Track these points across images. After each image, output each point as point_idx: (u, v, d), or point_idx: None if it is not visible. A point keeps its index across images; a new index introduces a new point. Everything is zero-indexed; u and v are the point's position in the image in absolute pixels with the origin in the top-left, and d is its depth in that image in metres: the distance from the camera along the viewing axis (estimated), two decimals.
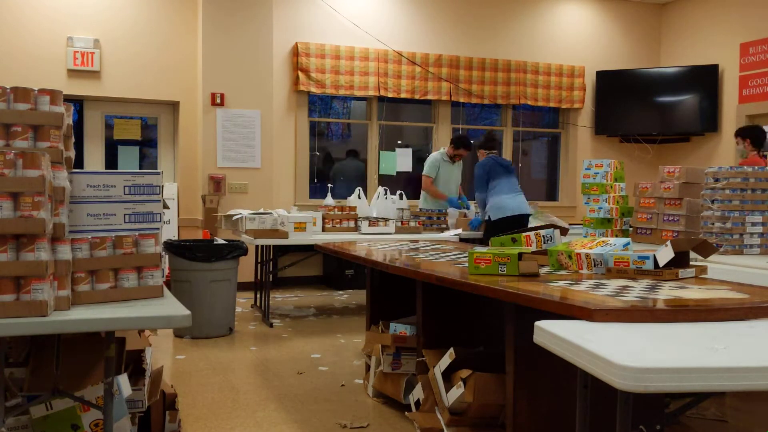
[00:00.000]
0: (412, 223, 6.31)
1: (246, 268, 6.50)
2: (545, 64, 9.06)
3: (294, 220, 5.72)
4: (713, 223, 4.38)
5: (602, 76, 9.29)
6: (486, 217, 6.17)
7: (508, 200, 6.04)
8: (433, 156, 7.01)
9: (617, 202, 5.39)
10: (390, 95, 8.39)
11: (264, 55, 7.66)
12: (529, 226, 5.29)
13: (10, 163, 1.98)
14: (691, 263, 2.75)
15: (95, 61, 7.40)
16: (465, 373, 2.95)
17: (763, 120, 8.47)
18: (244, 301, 6.76)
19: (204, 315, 5.20)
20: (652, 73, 9.27)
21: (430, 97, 8.59)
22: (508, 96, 8.91)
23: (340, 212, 6.23)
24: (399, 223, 6.26)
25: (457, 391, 2.98)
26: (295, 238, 5.72)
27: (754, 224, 4.38)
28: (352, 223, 6.19)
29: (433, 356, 3.27)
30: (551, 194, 9.62)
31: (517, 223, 5.83)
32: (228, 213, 6.52)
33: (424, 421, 3.19)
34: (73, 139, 2.61)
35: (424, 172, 6.97)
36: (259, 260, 6.44)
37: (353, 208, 6.35)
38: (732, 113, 8.69)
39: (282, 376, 4.30)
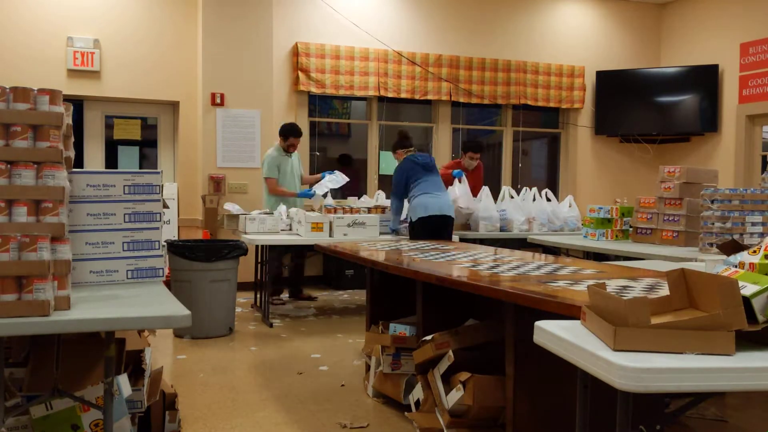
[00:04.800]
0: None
1: (246, 268, 6.50)
2: (545, 64, 9.06)
3: (311, 220, 5.72)
4: (713, 223, 4.39)
5: (602, 76, 9.28)
6: (408, 219, 5.73)
7: (430, 200, 5.53)
8: (269, 154, 6.74)
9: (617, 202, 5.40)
10: (390, 95, 8.39)
11: (264, 55, 7.66)
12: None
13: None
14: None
15: (95, 61, 7.40)
16: (464, 375, 2.95)
17: (764, 120, 8.47)
18: (244, 301, 6.75)
19: (204, 315, 5.20)
20: (652, 73, 9.27)
21: (430, 97, 8.59)
22: (508, 96, 8.91)
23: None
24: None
25: (456, 394, 2.98)
26: (302, 239, 5.72)
27: (753, 224, 4.38)
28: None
29: (420, 353, 3.27)
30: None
31: (440, 224, 5.53)
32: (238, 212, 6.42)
33: (424, 422, 3.19)
34: (72, 139, 2.61)
35: (265, 175, 6.70)
36: (259, 260, 6.44)
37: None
38: (732, 113, 8.68)
39: (282, 376, 4.30)
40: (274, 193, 6.67)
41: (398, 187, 5.71)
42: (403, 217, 5.94)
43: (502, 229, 6.58)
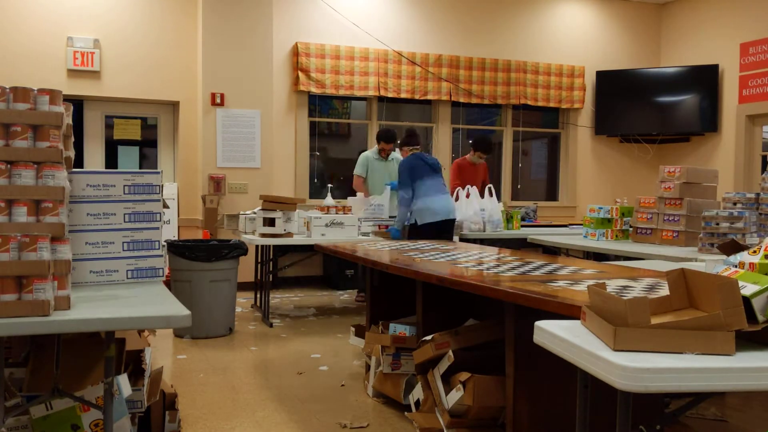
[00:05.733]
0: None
1: (246, 268, 6.50)
2: (545, 64, 9.06)
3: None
4: (717, 223, 4.39)
5: (602, 76, 9.29)
6: (412, 221, 5.73)
7: (435, 203, 5.57)
8: (364, 154, 6.94)
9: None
10: (390, 95, 8.39)
11: (264, 55, 7.66)
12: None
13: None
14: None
15: (95, 61, 7.40)
16: (464, 375, 2.95)
17: (764, 120, 8.47)
18: (244, 301, 6.76)
19: (204, 315, 5.20)
20: (652, 73, 9.27)
21: (430, 97, 8.59)
22: (508, 96, 8.91)
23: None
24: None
25: (456, 394, 2.98)
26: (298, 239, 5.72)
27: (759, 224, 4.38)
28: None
29: (420, 353, 3.27)
30: (551, 194, 9.62)
31: (446, 227, 5.58)
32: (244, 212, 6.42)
33: (424, 422, 3.19)
34: (72, 139, 2.61)
35: (354, 171, 6.87)
36: (259, 260, 6.44)
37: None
38: (732, 113, 8.69)
39: (282, 376, 4.30)
40: (356, 189, 6.86)
41: (405, 182, 5.68)
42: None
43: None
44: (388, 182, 6.73)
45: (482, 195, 6.56)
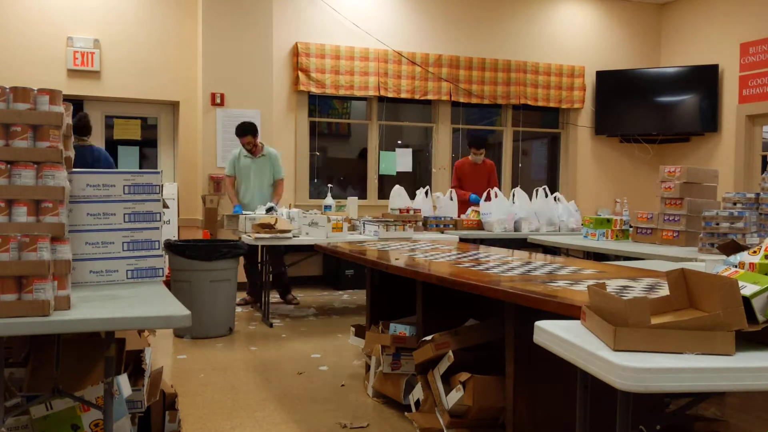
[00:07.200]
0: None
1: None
2: (545, 64, 9.06)
3: (332, 220, 5.72)
4: (718, 223, 4.39)
5: (602, 76, 9.28)
6: None
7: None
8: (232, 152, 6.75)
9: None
10: (390, 95, 8.39)
11: (264, 55, 7.66)
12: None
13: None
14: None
15: (95, 61, 7.40)
16: (464, 376, 2.95)
17: (764, 120, 8.47)
18: None
19: (204, 315, 5.20)
20: (652, 73, 9.27)
21: (430, 97, 8.59)
22: (508, 96, 8.91)
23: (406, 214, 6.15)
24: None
25: (456, 395, 2.98)
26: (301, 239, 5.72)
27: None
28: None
29: (420, 353, 3.27)
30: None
31: None
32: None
33: (424, 422, 3.19)
34: (72, 139, 2.61)
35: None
36: (259, 260, 6.44)
37: (418, 211, 6.32)
38: (732, 113, 8.68)
39: (282, 376, 4.30)
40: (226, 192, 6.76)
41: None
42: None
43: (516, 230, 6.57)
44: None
45: (487, 197, 6.57)
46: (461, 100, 8.73)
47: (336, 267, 7.80)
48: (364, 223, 5.99)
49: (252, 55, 7.59)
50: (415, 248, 4.32)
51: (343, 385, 4.07)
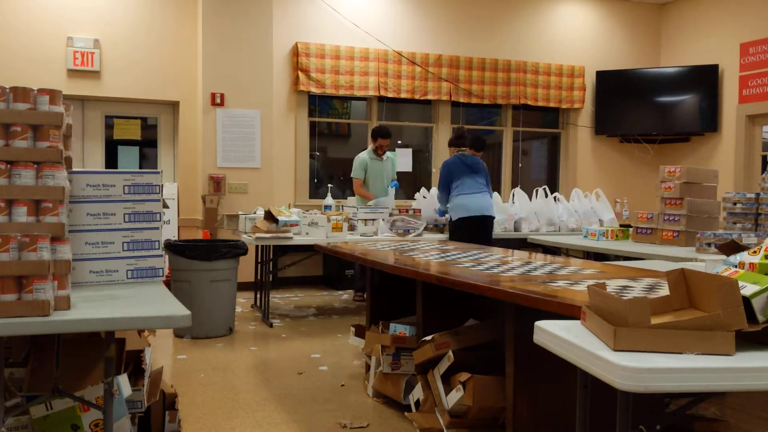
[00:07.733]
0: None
1: (246, 268, 6.49)
2: (545, 64, 9.06)
3: (332, 220, 5.72)
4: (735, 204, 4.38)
5: (602, 76, 9.28)
6: (449, 217, 6.04)
7: (470, 200, 5.83)
8: (358, 156, 6.95)
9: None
10: (390, 95, 8.39)
11: (264, 55, 7.66)
12: None
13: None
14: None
15: (95, 61, 7.40)
16: (464, 376, 2.95)
17: (764, 120, 8.47)
18: (244, 301, 6.75)
19: (204, 315, 5.20)
20: (652, 73, 9.27)
21: (430, 97, 8.59)
22: (508, 96, 8.91)
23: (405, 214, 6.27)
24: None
25: (456, 395, 2.98)
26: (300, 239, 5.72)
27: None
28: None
29: (420, 353, 3.27)
30: None
31: (480, 224, 5.79)
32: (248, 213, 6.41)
33: (424, 422, 3.19)
34: (72, 139, 2.61)
35: (352, 174, 6.91)
36: (259, 260, 6.44)
37: (418, 211, 6.43)
38: (732, 113, 8.68)
39: (282, 376, 4.30)
40: (357, 193, 6.91)
41: (442, 181, 6.01)
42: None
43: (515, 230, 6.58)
44: (391, 183, 6.74)
45: None
46: (461, 100, 8.73)
47: (336, 267, 7.80)
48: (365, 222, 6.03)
49: (252, 55, 7.59)
50: (416, 248, 4.32)
51: (343, 385, 4.07)
